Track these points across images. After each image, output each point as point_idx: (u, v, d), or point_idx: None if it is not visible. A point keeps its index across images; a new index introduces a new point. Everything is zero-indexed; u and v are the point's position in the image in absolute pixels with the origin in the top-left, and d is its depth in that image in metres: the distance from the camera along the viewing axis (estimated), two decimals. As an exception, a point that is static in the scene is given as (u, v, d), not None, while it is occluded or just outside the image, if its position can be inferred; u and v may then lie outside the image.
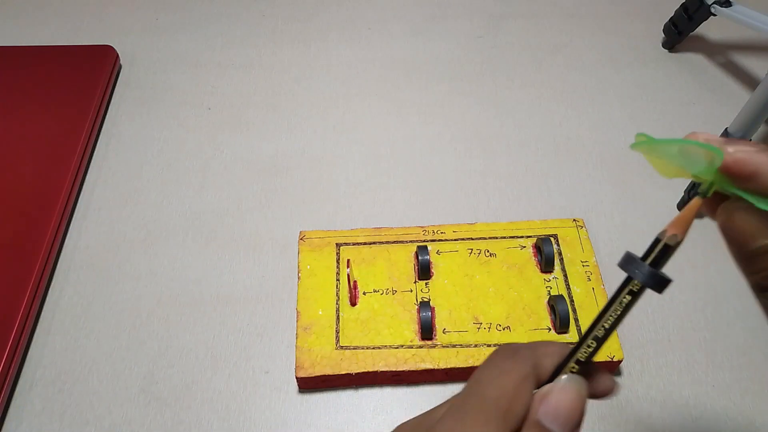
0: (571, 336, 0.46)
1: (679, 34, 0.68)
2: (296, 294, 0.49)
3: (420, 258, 0.49)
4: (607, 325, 0.24)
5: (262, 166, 0.60)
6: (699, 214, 0.23)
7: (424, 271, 0.49)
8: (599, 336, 0.25)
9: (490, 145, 0.61)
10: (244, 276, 0.52)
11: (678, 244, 0.23)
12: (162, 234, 0.55)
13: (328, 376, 0.44)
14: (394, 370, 0.44)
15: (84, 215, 0.56)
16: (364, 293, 0.48)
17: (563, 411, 0.23)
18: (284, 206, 0.57)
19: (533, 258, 0.50)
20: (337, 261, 0.50)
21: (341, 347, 0.45)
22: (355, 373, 0.44)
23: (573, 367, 0.25)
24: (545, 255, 0.49)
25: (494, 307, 0.47)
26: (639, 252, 0.24)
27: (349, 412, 0.45)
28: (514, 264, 0.50)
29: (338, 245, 0.51)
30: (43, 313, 0.50)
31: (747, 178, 0.22)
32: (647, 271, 0.23)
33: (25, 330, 0.48)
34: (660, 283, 0.23)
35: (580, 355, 0.25)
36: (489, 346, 0.45)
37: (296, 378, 0.45)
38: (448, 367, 0.44)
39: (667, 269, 0.24)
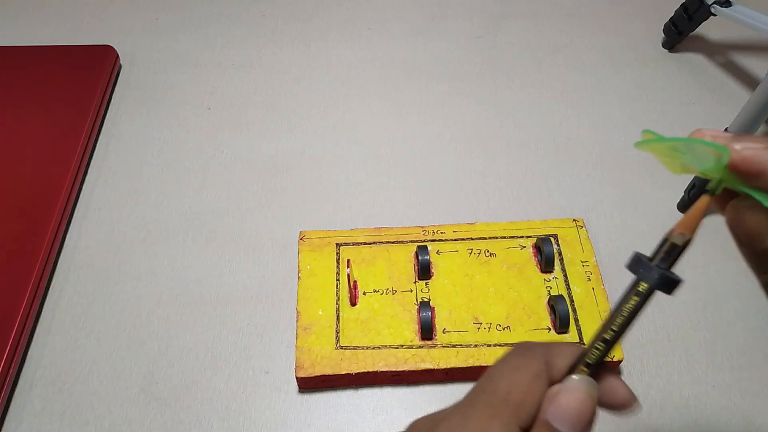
0: (571, 336, 0.46)
1: (679, 34, 0.68)
2: (296, 294, 0.49)
3: (420, 258, 0.49)
4: (615, 328, 0.24)
5: (262, 166, 0.60)
6: (708, 212, 0.23)
7: (424, 271, 0.49)
8: (607, 338, 0.24)
9: (490, 145, 0.61)
10: (244, 276, 0.52)
11: (687, 243, 0.23)
12: (162, 234, 0.55)
13: (328, 376, 0.44)
14: (394, 370, 0.44)
15: (84, 215, 0.56)
16: (364, 293, 0.48)
17: (572, 411, 0.23)
18: (284, 206, 0.57)
19: (533, 258, 0.50)
20: (337, 261, 0.50)
21: (341, 347, 0.45)
22: (355, 373, 0.44)
23: (583, 370, 0.24)
24: (545, 255, 0.49)
25: (494, 307, 0.47)
26: (647, 251, 0.23)
27: (349, 412, 0.45)
28: (514, 264, 0.50)
29: (338, 245, 0.51)
30: (43, 313, 0.50)
31: (755, 176, 0.22)
32: (655, 273, 0.22)
33: (25, 330, 0.48)
34: (669, 285, 0.23)
35: (588, 357, 0.24)
36: (489, 346, 0.45)
37: (296, 378, 0.45)
38: (448, 367, 0.44)
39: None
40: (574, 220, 0.53)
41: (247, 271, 0.52)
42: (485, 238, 0.51)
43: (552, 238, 0.51)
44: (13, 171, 0.57)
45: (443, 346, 0.45)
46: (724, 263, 0.52)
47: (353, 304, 0.48)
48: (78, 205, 0.57)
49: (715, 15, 0.63)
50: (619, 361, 0.45)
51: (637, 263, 0.23)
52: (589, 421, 0.23)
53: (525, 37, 0.72)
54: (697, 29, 0.67)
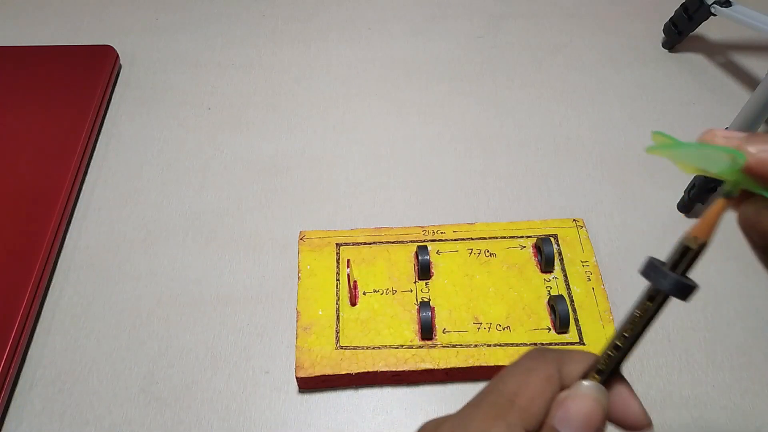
0: (571, 336, 0.46)
1: (679, 34, 0.68)
2: (296, 294, 0.49)
3: (420, 258, 0.49)
4: (627, 334, 0.23)
5: (262, 166, 0.60)
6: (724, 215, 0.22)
7: (424, 271, 0.49)
8: (620, 345, 0.23)
9: (490, 145, 0.61)
10: (244, 276, 0.52)
11: (703, 247, 0.22)
12: (162, 234, 0.55)
13: (328, 376, 0.44)
14: (394, 370, 0.44)
15: (84, 215, 0.56)
16: (364, 293, 0.48)
17: (579, 417, 0.22)
18: (284, 206, 0.57)
19: (533, 258, 0.50)
20: (337, 261, 0.50)
21: (341, 347, 0.45)
22: (355, 373, 0.44)
23: (594, 377, 0.23)
24: (545, 255, 0.49)
25: (494, 307, 0.47)
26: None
27: (349, 412, 0.45)
28: (514, 264, 0.50)
29: (338, 245, 0.51)
30: (43, 313, 0.50)
31: None
32: (670, 278, 0.22)
33: (25, 330, 0.48)
34: (684, 291, 0.22)
35: (600, 364, 0.23)
36: (489, 346, 0.45)
37: (296, 378, 0.45)
38: (448, 367, 0.44)
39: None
40: (574, 220, 0.53)
41: (247, 271, 0.52)
42: (485, 238, 0.51)
43: (552, 238, 0.51)
44: (13, 171, 0.57)
45: (443, 346, 0.45)
46: (724, 263, 0.52)
47: (353, 304, 0.48)
48: (78, 205, 0.57)
49: (715, 15, 0.63)
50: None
51: (650, 269, 0.22)
52: (598, 429, 0.22)
53: (525, 37, 0.72)
54: (697, 29, 0.67)
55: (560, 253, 0.50)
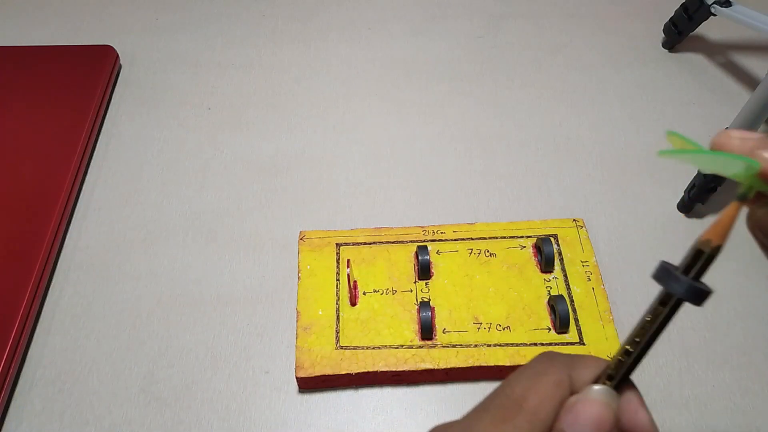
0: (571, 336, 0.46)
1: (679, 34, 0.68)
2: (296, 294, 0.49)
3: (420, 258, 0.49)
4: (638, 339, 0.23)
5: (262, 166, 0.60)
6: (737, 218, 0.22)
7: (424, 271, 0.49)
8: (630, 350, 0.23)
9: (490, 145, 0.61)
10: (244, 276, 0.52)
11: (717, 251, 0.21)
12: (162, 234, 0.55)
13: (328, 376, 0.44)
14: (394, 370, 0.44)
15: (84, 215, 0.56)
16: (364, 293, 0.48)
17: (589, 422, 0.22)
18: (284, 206, 0.57)
19: (533, 258, 0.50)
20: (337, 261, 0.50)
21: (341, 347, 0.45)
22: (355, 373, 0.44)
23: (605, 383, 0.23)
24: (545, 255, 0.49)
25: (494, 307, 0.47)
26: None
27: (349, 412, 0.45)
28: (514, 264, 0.50)
29: (338, 245, 0.51)
30: (43, 313, 0.50)
31: None
32: (684, 283, 0.21)
33: (25, 330, 0.48)
34: (698, 296, 0.21)
35: (610, 369, 0.23)
36: (489, 346, 0.45)
37: (296, 378, 0.45)
38: (448, 367, 0.44)
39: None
40: (574, 220, 0.53)
41: (247, 271, 0.52)
42: (485, 238, 0.51)
43: (552, 238, 0.51)
44: (13, 171, 0.57)
45: (443, 346, 0.45)
46: (724, 263, 0.52)
47: (353, 304, 0.48)
48: (78, 205, 0.57)
49: (715, 15, 0.63)
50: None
51: (663, 273, 0.22)
52: None
53: (525, 37, 0.72)
54: (697, 29, 0.67)
55: (560, 253, 0.50)
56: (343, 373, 0.44)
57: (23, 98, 0.63)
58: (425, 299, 0.48)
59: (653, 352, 0.50)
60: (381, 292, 0.48)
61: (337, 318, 0.47)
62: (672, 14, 0.68)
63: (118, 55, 0.68)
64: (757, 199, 0.22)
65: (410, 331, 0.46)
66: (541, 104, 0.65)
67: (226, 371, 0.47)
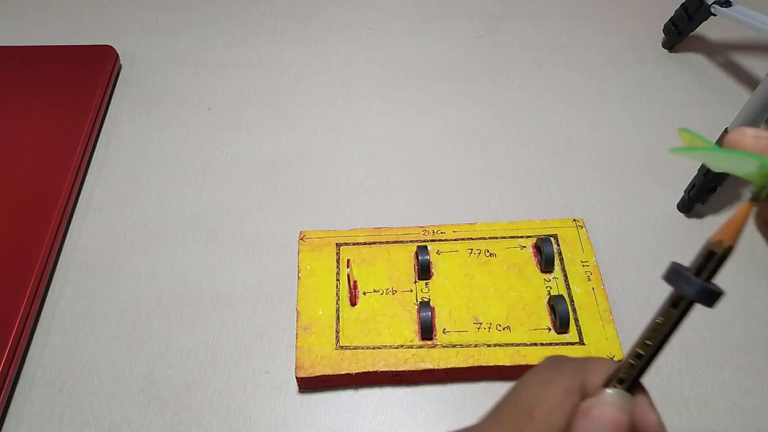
0: (571, 336, 0.46)
1: (679, 34, 0.68)
2: (296, 294, 0.49)
3: (420, 258, 0.49)
4: (650, 342, 0.22)
5: (262, 166, 0.60)
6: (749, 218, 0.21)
7: (424, 271, 0.49)
8: (642, 353, 0.23)
9: (490, 145, 0.61)
10: (244, 276, 0.52)
11: (729, 252, 0.21)
12: (162, 234, 0.55)
13: (328, 376, 0.44)
14: (394, 370, 0.44)
15: (84, 215, 0.56)
16: (364, 293, 0.48)
17: (605, 426, 0.22)
18: (284, 206, 0.57)
19: (533, 258, 0.50)
20: (337, 261, 0.50)
21: (341, 347, 0.45)
22: (355, 373, 0.44)
23: (615, 386, 0.23)
24: (545, 255, 0.49)
25: (494, 307, 0.47)
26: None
27: (349, 412, 0.45)
28: (514, 264, 0.50)
29: (338, 245, 0.51)
30: (43, 313, 0.50)
31: None
32: (695, 284, 0.21)
33: (25, 330, 0.48)
34: (710, 297, 0.21)
35: (621, 373, 0.23)
36: (489, 346, 0.45)
37: (296, 378, 0.45)
38: (448, 367, 0.44)
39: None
40: (574, 220, 0.53)
41: (247, 271, 0.52)
42: (485, 238, 0.51)
43: (552, 238, 0.51)
44: (13, 171, 0.57)
45: (443, 346, 0.45)
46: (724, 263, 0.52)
47: (353, 304, 0.48)
48: (78, 205, 0.57)
49: (715, 15, 0.63)
50: (619, 361, 0.45)
51: (674, 274, 0.21)
52: None
53: (525, 37, 0.72)
54: (697, 29, 0.67)
55: (560, 253, 0.50)
56: (343, 373, 0.44)
57: (23, 98, 0.63)
58: (425, 299, 0.48)
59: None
60: (381, 292, 0.48)
61: (337, 318, 0.47)
62: (672, 14, 0.68)
63: (118, 55, 0.68)
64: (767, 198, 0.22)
65: (410, 331, 0.46)
66: (541, 104, 0.65)
67: (226, 371, 0.47)
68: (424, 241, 0.51)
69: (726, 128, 0.54)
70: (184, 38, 0.72)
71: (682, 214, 0.55)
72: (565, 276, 0.49)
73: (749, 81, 0.66)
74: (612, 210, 0.56)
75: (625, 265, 0.52)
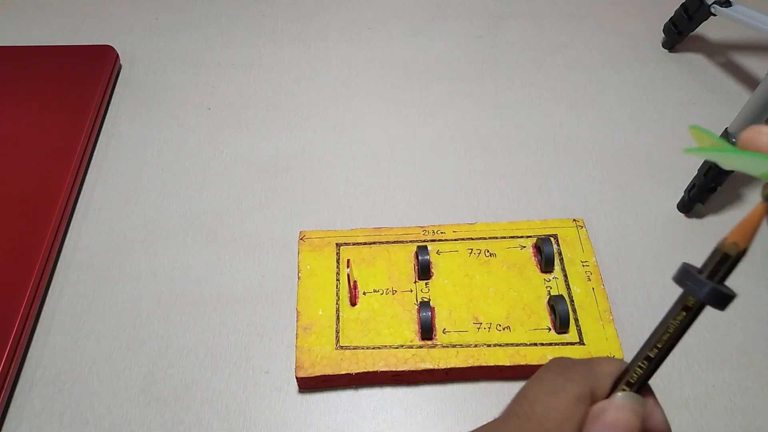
0: (571, 336, 0.46)
1: (679, 34, 0.68)
2: (296, 294, 0.49)
3: (420, 258, 0.49)
4: (660, 345, 0.22)
5: (262, 166, 0.60)
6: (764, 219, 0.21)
7: (424, 271, 0.49)
8: (651, 356, 0.22)
9: (490, 145, 0.61)
10: (244, 276, 0.52)
11: (741, 254, 0.20)
12: (162, 234, 0.55)
13: (328, 376, 0.44)
14: (394, 370, 0.44)
15: (84, 215, 0.56)
16: (364, 293, 0.48)
17: (618, 430, 0.22)
18: (284, 206, 0.57)
19: (533, 258, 0.50)
20: (337, 261, 0.50)
21: (341, 347, 0.45)
22: (355, 373, 0.44)
23: (624, 389, 0.23)
24: (545, 255, 0.49)
25: (494, 307, 0.47)
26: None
27: (349, 412, 0.45)
28: (514, 264, 0.50)
29: (338, 245, 0.51)
30: (43, 313, 0.50)
31: None
32: (706, 286, 0.20)
33: (25, 330, 0.48)
34: (721, 300, 0.20)
35: (631, 376, 0.23)
36: (489, 346, 0.45)
37: (296, 378, 0.45)
38: (448, 367, 0.44)
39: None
40: (574, 220, 0.53)
41: (247, 271, 0.52)
42: (485, 238, 0.51)
43: (552, 238, 0.51)
44: (13, 171, 0.57)
45: (443, 346, 0.45)
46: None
47: (353, 304, 0.48)
48: (78, 205, 0.57)
49: (715, 15, 0.63)
50: (625, 361, 0.45)
51: (685, 276, 0.21)
52: None
53: (525, 37, 0.72)
54: (697, 29, 0.67)
55: (560, 253, 0.50)
56: (343, 373, 0.44)
57: (23, 98, 0.63)
58: (425, 299, 0.48)
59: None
60: (381, 292, 0.48)
61: (337, 318, 0.47)
62: (672, 14, 0.68)
63: (118, 55, 0.68)
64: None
65: (410, 331, 0.46)
66: (541, 104, 0.65)
67: (226, 371, 0.47)
68: (424, 241, 0.51)
69: (726, 128, 0.54)
70: (184, 38, 0.72)
71: (682, 214, 0.55)
72: (565, 276, 0.49)
73: (749, 81, 0.67)
74: (612, 210, 0.56)
75: (625, 265, 0.52)
